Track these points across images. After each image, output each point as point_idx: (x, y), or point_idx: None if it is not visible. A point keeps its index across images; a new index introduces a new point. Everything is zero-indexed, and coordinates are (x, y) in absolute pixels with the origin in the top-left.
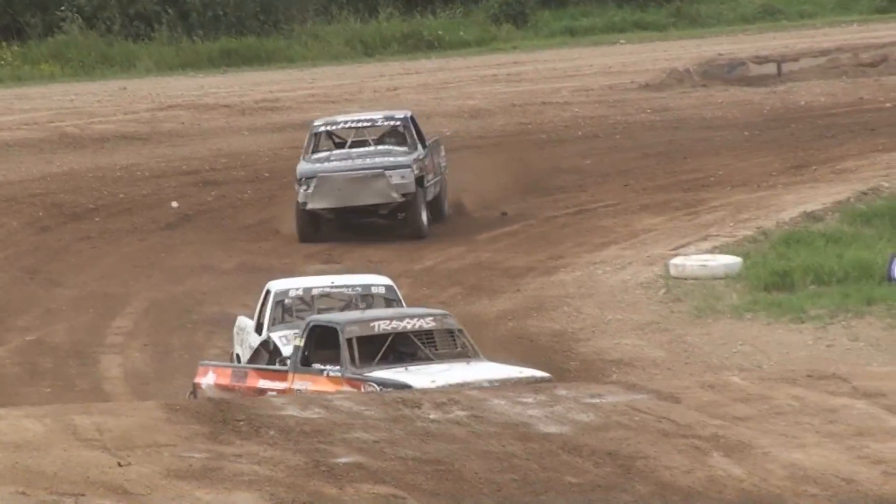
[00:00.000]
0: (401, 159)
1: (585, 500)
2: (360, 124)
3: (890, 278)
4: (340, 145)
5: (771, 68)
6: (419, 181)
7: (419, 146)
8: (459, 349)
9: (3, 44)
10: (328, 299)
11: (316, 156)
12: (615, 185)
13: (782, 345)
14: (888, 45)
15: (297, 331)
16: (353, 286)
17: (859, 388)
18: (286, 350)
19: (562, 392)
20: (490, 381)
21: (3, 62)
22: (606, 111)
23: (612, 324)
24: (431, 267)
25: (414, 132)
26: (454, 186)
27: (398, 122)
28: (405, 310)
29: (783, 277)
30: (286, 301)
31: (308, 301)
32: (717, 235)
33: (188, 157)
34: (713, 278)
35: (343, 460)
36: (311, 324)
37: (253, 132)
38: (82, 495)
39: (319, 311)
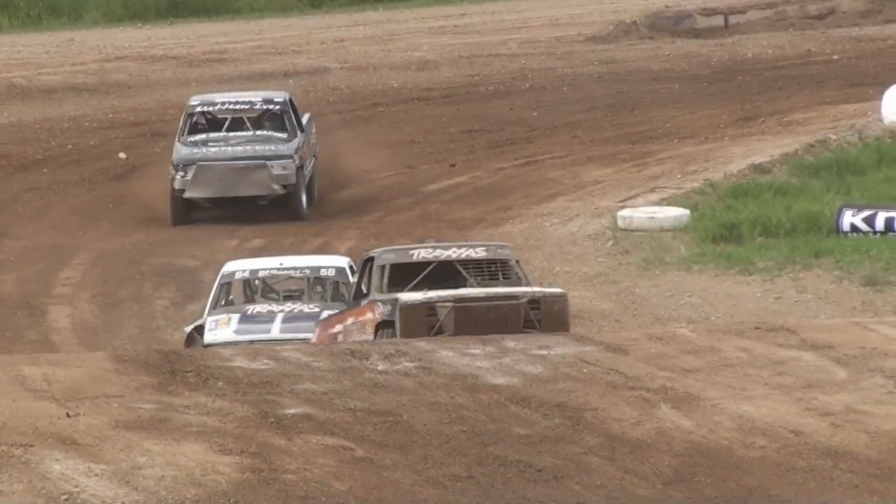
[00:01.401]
0: (282, 149)
1: (534, 451)
2: (237, 106)
3: (838, 230)
4: (216, 125)
5: (718, 20)
6: (300, 169)
7: (298, 131)
8: (512, 280)
9: None
10: (276, 282)
11: (192, 138)
12: (563, 137)
13: (730, 297)
14: None
15: (226, 314)
16: (302, 268)
17: (807, 340)
18: (209, 336)
19: (510, 344)
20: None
21: None
22: (554, 63)
23: (560, 275)
24: (379, 218)
25: (293, 116)
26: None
27: (277, 106)
28: (461, 241)
29: (731, 230)
30: (232, 283)
31: (254, 284)
32: (665, 188)
33: (136, 109)
34: (661, 230)
35: (291, 411)
36: (364, 257)
37: (200, 84)
38: (31, 446)
39: (266, 295)
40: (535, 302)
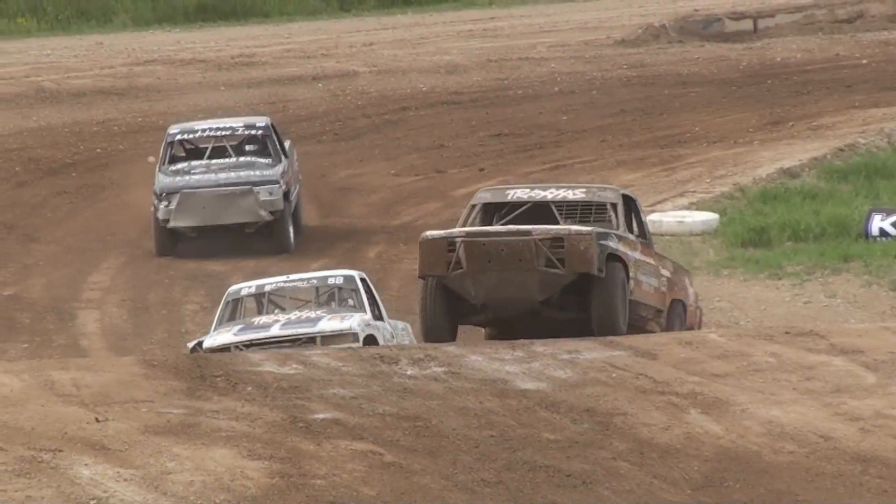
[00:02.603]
0: (268, 173)
1: (563, 456)
2: (219, 133)
3: (867, 235)
4: (197, 153)
5: (747, 24)
6: (285, 196)
7: (282, 156)
8: (604, 224)
9: None
10: (283, 297)
11: (174, 167)
12: (592, 142)
13: (760, 301)
14: (864, 1)
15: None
16: (309, 279)
17: (836, 345)
18: (208, 342)
19: (539, 348)
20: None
21: None
22: (583, 67)
23: None
24: (408, 223)
25: (276, 140)
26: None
27: (259, 131)
28: (567, 183)
29: (760, 234)
30: (239, 301)
31: (261, 301)
32: (694, 192)
33: (165, 113)
34: (690, 234)
35: (321, 416)
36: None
37: (229, 87)
38: (60, 451)
39: (273, 309)
40: (558, 240)
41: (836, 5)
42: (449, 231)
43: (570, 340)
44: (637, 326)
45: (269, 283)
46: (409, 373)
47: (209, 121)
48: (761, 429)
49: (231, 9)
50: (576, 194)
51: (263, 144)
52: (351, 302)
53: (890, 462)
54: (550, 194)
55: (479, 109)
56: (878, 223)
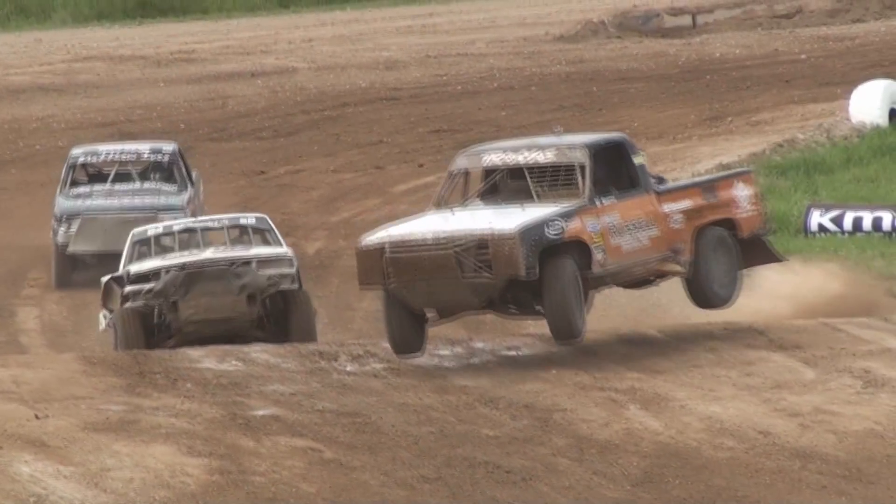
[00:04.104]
0: (173, 200)
1: (503, 452)
2: (123, 156)
3: (806, 231)
4: (100, 178)
5: (686, 20)
6: None
7: (188, 184)
8: (573, 186)
9: None
10: (194, 234)
11: (75, 190)
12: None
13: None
14: None
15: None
16: (220, 219)
17: (775, 341)
18: (136, 267)
19: (478, 344)
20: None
21: None
22: (522, 63)
23: None
24: (348, 219)
25: (182, 167)
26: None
27: (165, 157)
28: (537, 140)
29: None
30: (145, 240)
31: (169, 238)
32: None
33: (104, 109)
34: None
35: (260, 413)
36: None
37: (169, 84)
38: (0, 448)
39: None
40: (482, 245)
41: (774, 1)
42: (378, 239)
43: (510, 336)
44: (645, 281)
45: (178, 223)
46: (348, 369)
47: (113, 144)
48: (700, 425)
49: (170, 5)
50: (546, 156)
51: (170, 171)
52: (269, 240)
53: (829, 457)
54: (522, 158)
55: (418, 105)
56: (816, 219)
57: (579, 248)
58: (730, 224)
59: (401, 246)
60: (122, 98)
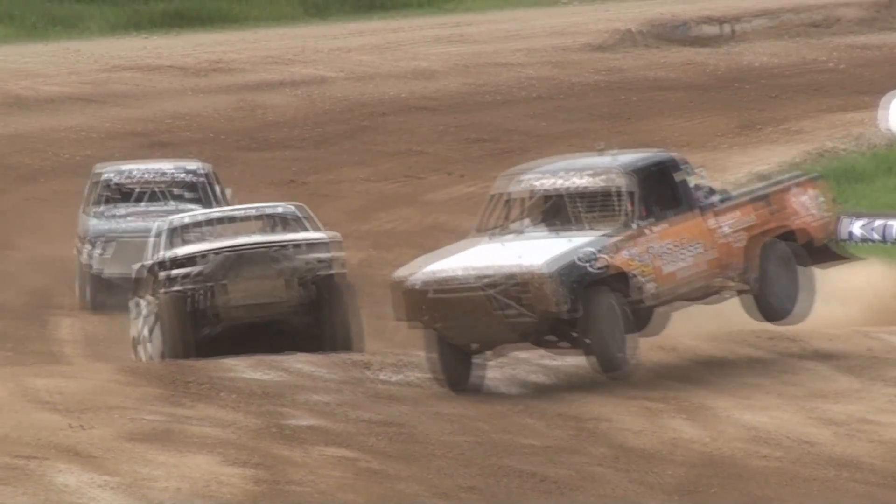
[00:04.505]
0: None
1: (542, 462)
2: (150, 176)
3: (838, 239)
4: (127, 197)
5: (717, 28)
6: None
7: (220, 202)
8: (616, 213)
9: None
10: (231, 224)
11: (104, 210)
12: (563, 146)
13: (735, 304)
14: (833, 6)
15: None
16: (256, 207)
17: (812, 349)
18: (182, 251)
19: (520, 354)
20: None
21: None
22: (554, 72)
23: None
24: (382, 228)
25: (214, 187)
26: None
27: (193, 176)
28: (579, 161)
29: None
30: (175, 229)
31: (203, 226)
32: None
33: (137, 119)
34: None
35: (299, 422)
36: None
37: (202, 93)
38: (39, 458)
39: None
40: (518, 284)
41: (805, 9)
42: (413, 276)
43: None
44: (698, 299)
45: (207, 212)
46: (386, 379)
47: (140, 162)
48: (739, 433)
49: (202, 15)
50: (587, 181)
51: (199, 190)
52: (307, 228)
53: (866, 466)
54: (563, 182)
55: (452, 114)
56: (848, 227)
57: (623, 278)
58: (796, 233)
59: (435, 284)
60: (156, 108)
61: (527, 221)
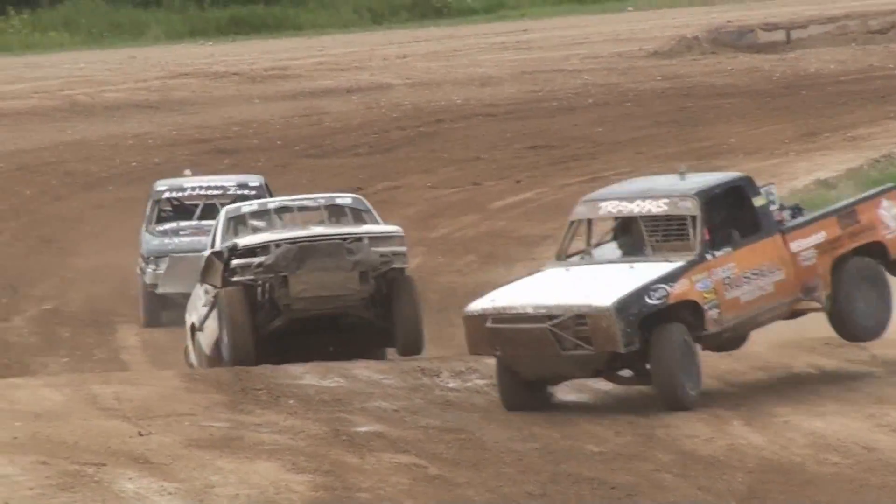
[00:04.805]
0: None
1: (607, 468)
2: (209, 192)
3: None
4: (186, 213)
5: (780, 35)
6: None
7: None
8: (685, 239)
9: (13, 11)
10: (290, 213)
11: (162, 227)
12: (627, 154)
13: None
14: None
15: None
16: (317, 198)
17: (878, 356)
18: (245, 241)
19: None
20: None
21: (12, 30)
22: (616, 79)
23: None
24: (446, 235)
25: (268, 196)
26: None
27: (253, 191)
28: (654, 185)
29: None
30: (239, 217)
31: (264, 215)
32: None
33: (200, 126)
34: None
35: (363, 429)
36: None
37: (264, 100)
38: (103, 465)
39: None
40: (580, 318)
41: (868, 16)
42: (482, 307)
43: None
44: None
45: (272, 200)
46: (450, 385)
47: (199, 178)
48: (804, 440)
49: (263, 21)
50: (658, 207)
51: None
52: (367, 220)
53: None
54: (636, 208)
55: (514, 121)
56: None
57: (690, 308)
58: (877, 247)
59: (500, 317)
60: (218, 115)
61: (603, 248)
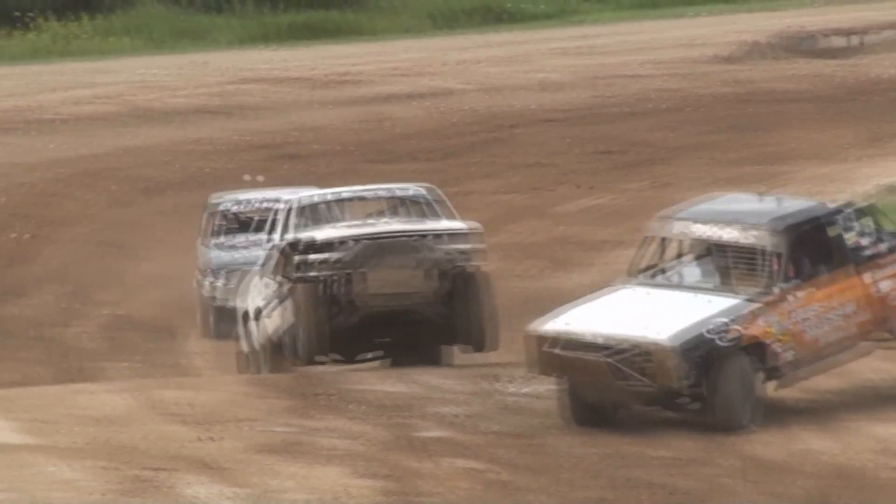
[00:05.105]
0: None
1: (670, 473)
2: (266, 205)
3: None
4: (243, 226)
5: (844, 40)
6: None
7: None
8: (766, 277)
9: (79, 17)
10: (363, 204)
11: (222, 240)
12: (691, 159)
13: None
14: None
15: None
16: (389, 188)
17: None
18: (320, 235)
19: None
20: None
21: (79, 35)
22: (680, 84)
23: None
24: (514, 240)
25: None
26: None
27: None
28: (732, 207)
29: None
30: (310, 206)
31: (335, 206)
32: None
33: (266, 131)
34: None
35: (426, 434)
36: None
37: (329, 105)
38: (169, 470)
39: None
40: (643, 353)
41: None
42: (545, 328)
43: None
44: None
45: (343, 190)
46: (513, 391)
47: (255, 190)
48: (871, 445)
49: (330, 27)
50: (731, 235)
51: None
52: (440, 212)
53: None
54: (710, 232)
55: (580, 126)
56: None
57: (759, 346)
58: None
59: (560, 342)
60: (283, 120)
61: (675, 270)
